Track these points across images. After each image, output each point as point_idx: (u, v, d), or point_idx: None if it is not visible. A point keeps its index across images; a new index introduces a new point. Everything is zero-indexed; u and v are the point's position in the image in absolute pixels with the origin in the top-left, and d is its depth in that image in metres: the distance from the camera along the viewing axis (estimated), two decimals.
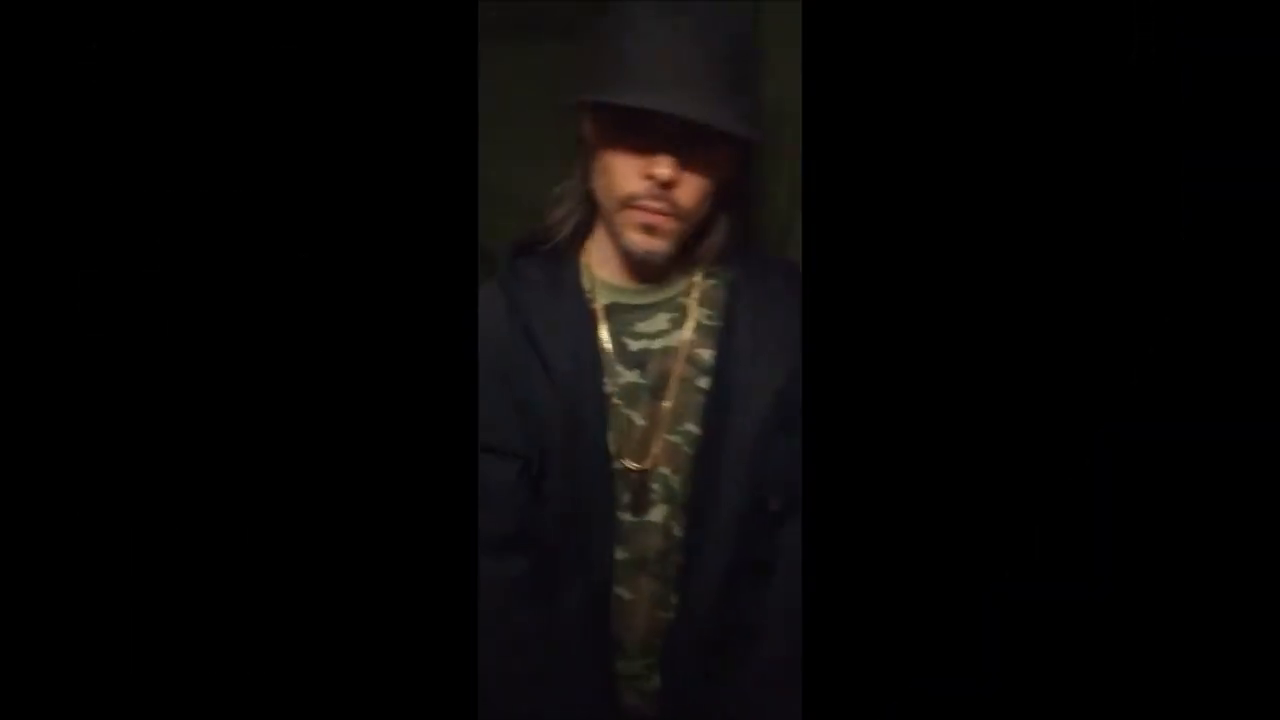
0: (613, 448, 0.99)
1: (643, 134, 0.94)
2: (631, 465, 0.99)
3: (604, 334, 1.02)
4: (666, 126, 0.93)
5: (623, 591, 1.00)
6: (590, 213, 1.05)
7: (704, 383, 1.01)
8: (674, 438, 1.00)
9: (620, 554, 1.00)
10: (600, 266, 1.05)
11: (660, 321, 1.03)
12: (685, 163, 0.95)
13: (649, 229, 0.97)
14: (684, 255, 1.03)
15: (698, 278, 1.04)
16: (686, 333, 1.02)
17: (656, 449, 1.00)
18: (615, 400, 1.01)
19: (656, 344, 1.02)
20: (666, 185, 0.95)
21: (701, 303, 1.04)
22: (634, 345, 1.02)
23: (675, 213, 0.97)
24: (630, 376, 1.01)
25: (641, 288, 1.04)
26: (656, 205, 0.96)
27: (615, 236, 1.00)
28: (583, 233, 1.06)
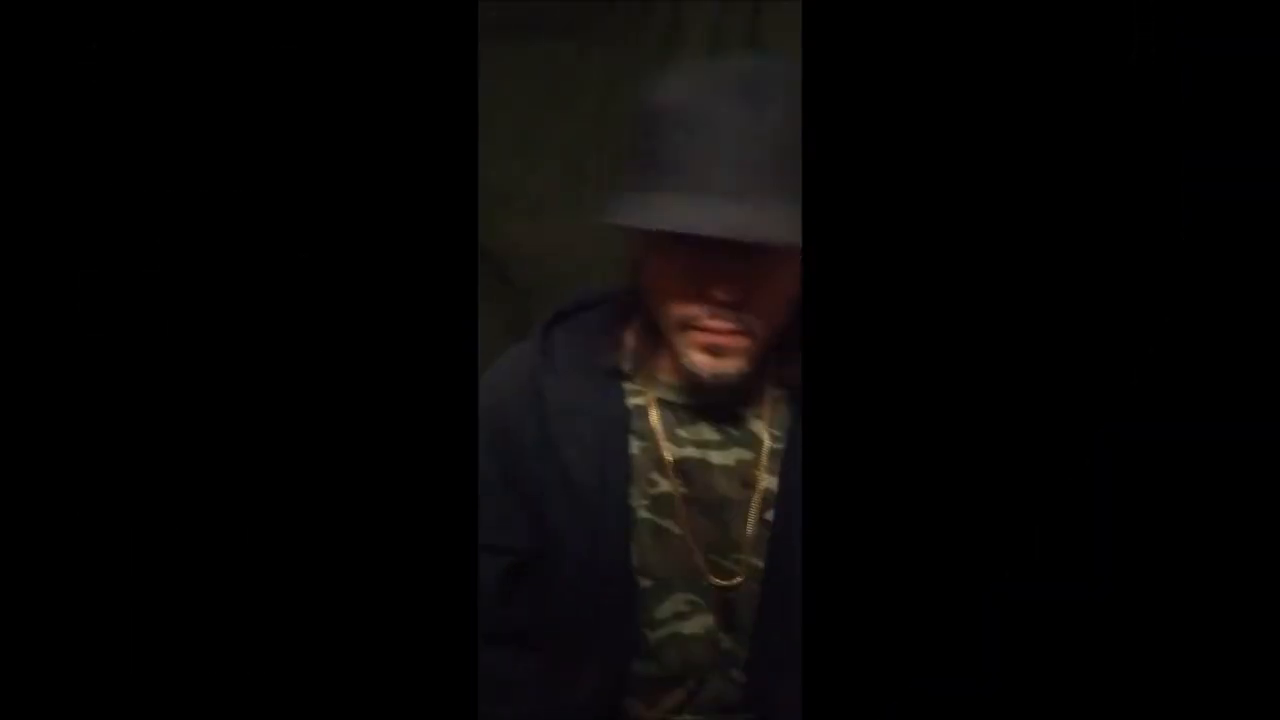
0: (644, 564, 0.88)
1: (695, 251, 0.80)
2: (718, 581, 0.88)
3: (641, 435, 0.89)
4: (720, 241, 0.78)
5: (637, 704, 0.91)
6: (657, 342, 0.89)
7: (767, 513, 0.88)
8: (731, 564, 0.89)
9: (652, 668, 0.90)
10: (651, 356, 0.90)
11: (708, 432, 0.90)
12: (749, 276, 0.81)
13: (715, 350, 0.83)
14: (764, 376, 0.89)
15: (769, 394, 0.90)
16: (742, 451, 0.89)
17: (720, 573, 0.88)
18: (643, 515, 0.88)
19: (699, 455, 0.89)
20: (730, 305, 0.81)
21: (772, 423, 0.89)
22: (673, 453, 0.89)
23: (745, 331, 0.83)
24: (665, 486, 0.88)
25: (697, 392, 0.89)
26: (721, 325, 0.82)
27: (676, 353, 0.86)
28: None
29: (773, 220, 0.77)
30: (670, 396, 0.90)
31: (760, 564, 0.88)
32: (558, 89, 2.06)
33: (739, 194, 0.78)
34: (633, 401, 0.90)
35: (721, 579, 0.88)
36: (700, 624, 0.90)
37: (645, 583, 0.89)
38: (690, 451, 0.89)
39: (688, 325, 0.83)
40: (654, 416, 0.89)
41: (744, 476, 0.88)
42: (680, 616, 0.90)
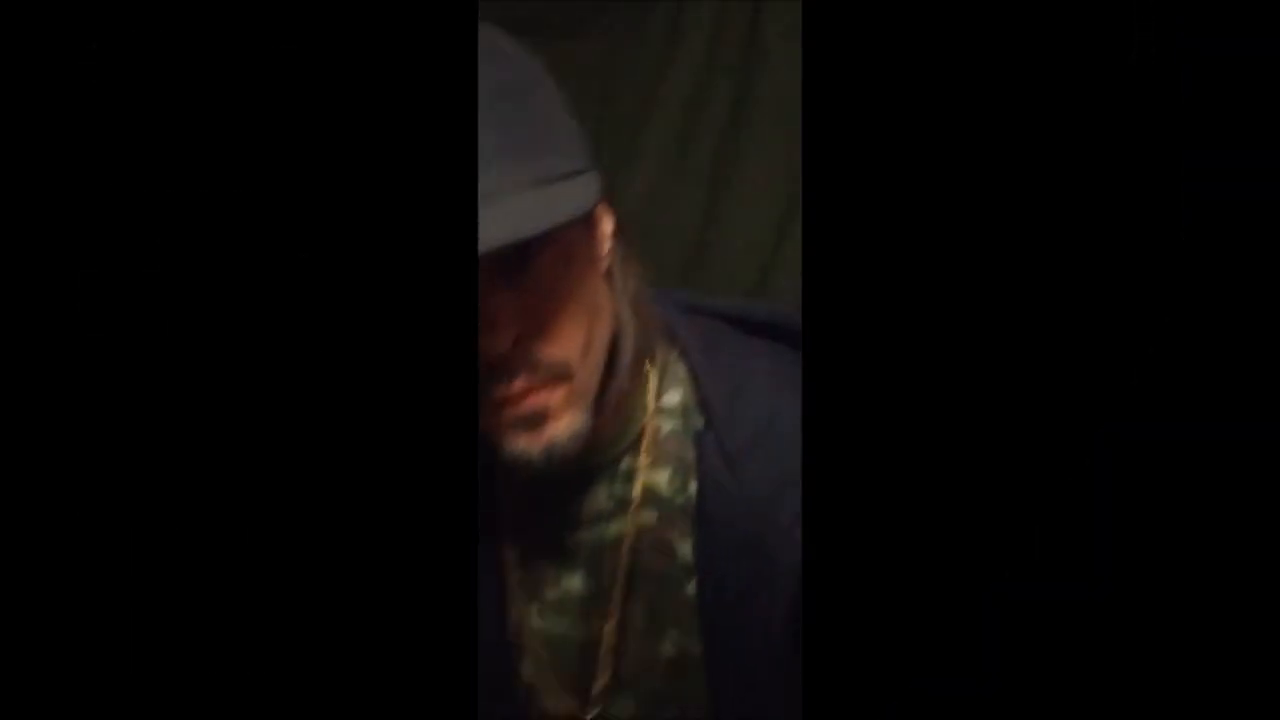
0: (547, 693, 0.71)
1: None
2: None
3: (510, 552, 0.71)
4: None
5: None
6: None
7: (690, 586, 0.70)
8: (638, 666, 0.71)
9: None
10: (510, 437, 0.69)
11: (600, 499, 0.72)
12: (509, 308, 0.64)
13: (531, 423, 0.66)
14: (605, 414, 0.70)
15: (646, 426, 0.71)
16: (634, 517, 0.71)
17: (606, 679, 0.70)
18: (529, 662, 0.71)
19: (594, 533, 0.71)
20: (511, 355, 0.64)
21: (656, 461, 0.71)
22: (551, 593, 0.71)
23: (554, 378, 0.65)
24: (550, 624, 0.71)
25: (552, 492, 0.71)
26: (519, 386, 0.65)
27: (497, 454, 0.68)
28: None
29: (514, 213, 0.61)
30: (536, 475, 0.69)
31: (696, 649, 0.71)
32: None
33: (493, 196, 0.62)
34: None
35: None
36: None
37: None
38: (582, 534, 0.71)
39: (495, 409, 0.66)
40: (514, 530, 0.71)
41: (652, 541, 0.71)
42: None
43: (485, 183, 0.62)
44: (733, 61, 1.39)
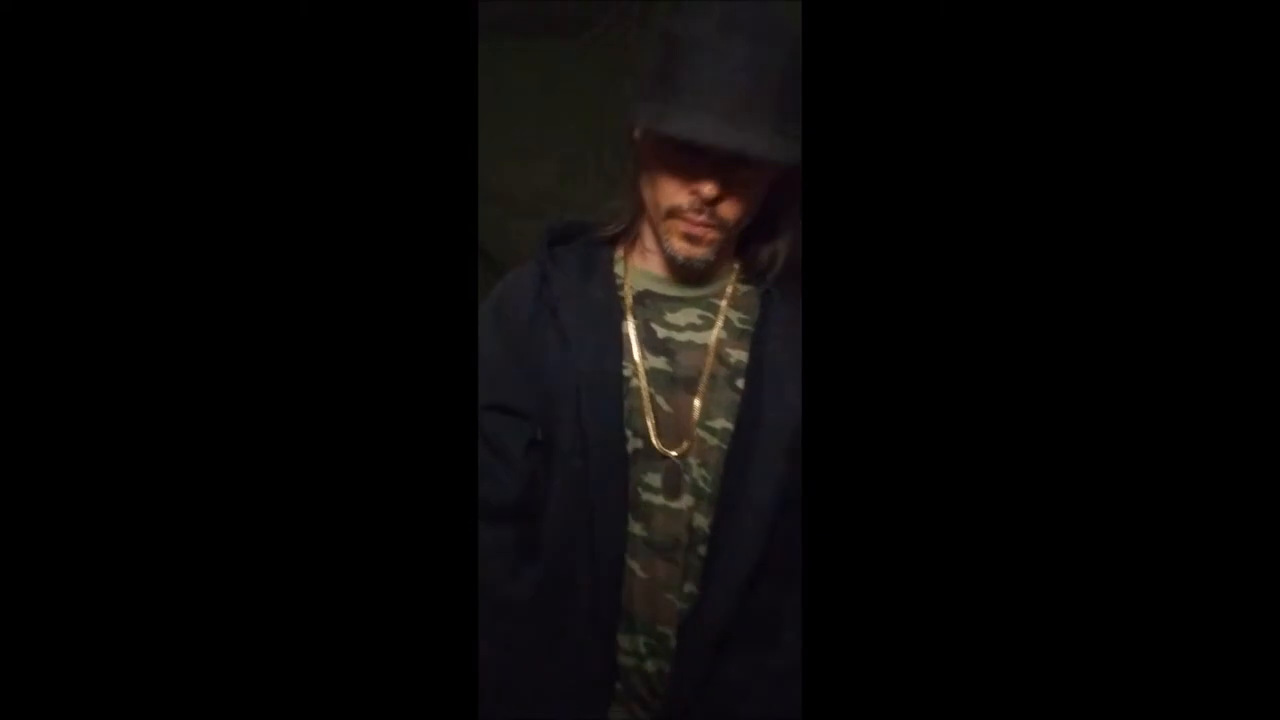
0: (637, 428, 1.03)
1: (690, 155, 0.98)
2: (666, 450, 1.02)
3: (631, 320, 1.07)
4: (713, 151, 0.96)
5: (635, 567, 1.02)
6: (638, 218, 1.09)
7: (738, 382, 1.04)
8: (703, 432, 1.03)
9: (639, 530, 1.03)
10: (639, 259, 1.10)
11: (690, 315, 1.08)
12: (729, 181, 0.99)
13: (692, 239, 1.03)
14: (736, 265, 1.09)
15: (733, 284, 1.10)
16: (717, 330, 1.07)
17: (688, 440, 1.03)
18: (636, 383, 1.04)
19: (683, 336, 1.07)
20: (711, 202, 1.00)
21: (734, 305, 1.09)
22: (661, 333, 1.07)
23: (718, 225, 1.02)
24: (656, 362, 1.05)
25: (677, 283, 1.09)
26: (700, 218, 1.01)
27: (659, 240, 1.06)
28: (628, 234, 1.11)
29: (761, 141, 0.95)
30: (655, 288, 1.09)
31: (730, 426, 1.04)
32: (558, 89, 2.07)
33: (737, 116, 0.95)
34: (624, 291, 1.10)
35: (672, 449, 1.04)
36: (686, 500, 1.04)
37: (635, 443, 1.04)
38: (673, 333, 1.07)
39: (674, 215, 1.02)
40: (638, 304, 1.09)
41: (719, 354, 1.07)
42: (663, 491, 1.04)
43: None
44: None
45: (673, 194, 1.01)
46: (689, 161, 0.99)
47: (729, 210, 1.01)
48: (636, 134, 1.05)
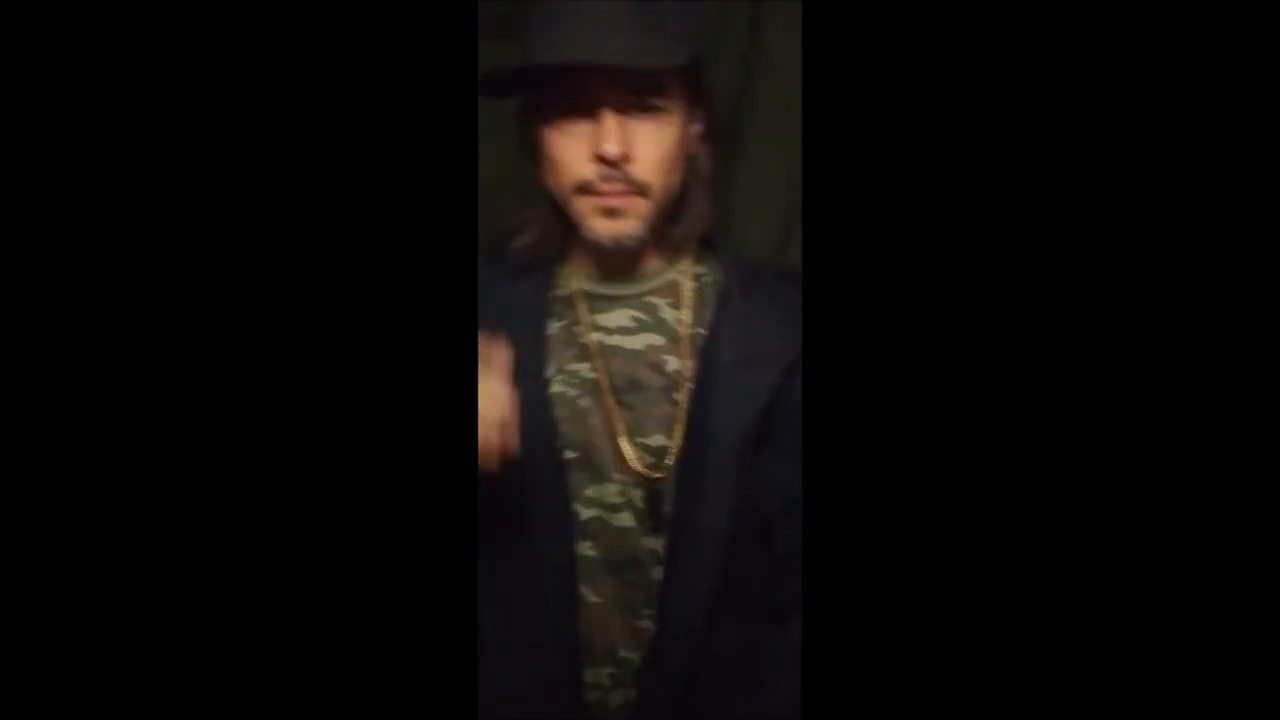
0: (568, 440, 0.94)
1: (578, 109, 0.89)
2: (640, 469, 0.93)
3: (555, 322, 0.96)
4: (601, 92, 0.87)
5: (587, 592, 0.94)
6: (563, 224, 0.96)
7: (676, 395, 0.94)
8: (633, 449, 0.94)
9: (587, 549, 0.94)
10: (581, 256, 0.98)
11: (621, 317, 0.97)
12: (631, 136, 0.89)
13: (611, 211, 0.91)
14: (662, 243, 0.97)
15: (680, 277, 0.98)
16: (649, 336, 0.96)
17: (619, 455, 0.94)
18: (559, 388, 0.94)
19: (611, 340, 0.96)
20: (617, 162, 0.88)
21: (678, 304, 0.97)
22: (588, 336, 0.96)
23: (637, 190, 0.90)
24: (580, 368, 0.95)
25: (610, 279, 0.97)
26: (613, 186, 0.90)
27: (579, 230, 0.93)
28: (553, 236, 0.99)
29: (655, 50, 0.86)
30: (589, 287, 0.98)
31: (669, 443, 0.94)
32: None
33: (627, 27, 0.86)
34: (557, 292, 0.98)
35: (644, 467, 0.94)
36: (629, 517, 0.95)
37: (569, 455, 0.95)
38: (603, 337, 0.96)
39: (584, 191, 0.90)
40: (575, 304, 0.97)
41: (651, 361, 0.95)
42: (611, 507, 0.95)
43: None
44: (733, 61, 1.39)
45: (574, 167, 0.89)
46: (580, 118, 0.88)
47: (643, 169, 0.89)
48: (523, 120, 0.93)
